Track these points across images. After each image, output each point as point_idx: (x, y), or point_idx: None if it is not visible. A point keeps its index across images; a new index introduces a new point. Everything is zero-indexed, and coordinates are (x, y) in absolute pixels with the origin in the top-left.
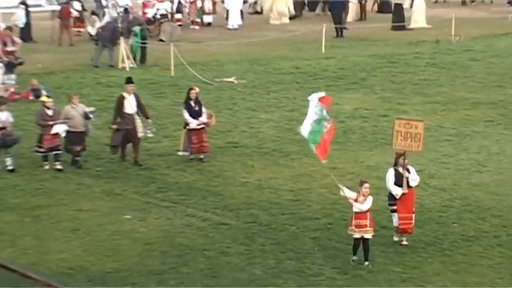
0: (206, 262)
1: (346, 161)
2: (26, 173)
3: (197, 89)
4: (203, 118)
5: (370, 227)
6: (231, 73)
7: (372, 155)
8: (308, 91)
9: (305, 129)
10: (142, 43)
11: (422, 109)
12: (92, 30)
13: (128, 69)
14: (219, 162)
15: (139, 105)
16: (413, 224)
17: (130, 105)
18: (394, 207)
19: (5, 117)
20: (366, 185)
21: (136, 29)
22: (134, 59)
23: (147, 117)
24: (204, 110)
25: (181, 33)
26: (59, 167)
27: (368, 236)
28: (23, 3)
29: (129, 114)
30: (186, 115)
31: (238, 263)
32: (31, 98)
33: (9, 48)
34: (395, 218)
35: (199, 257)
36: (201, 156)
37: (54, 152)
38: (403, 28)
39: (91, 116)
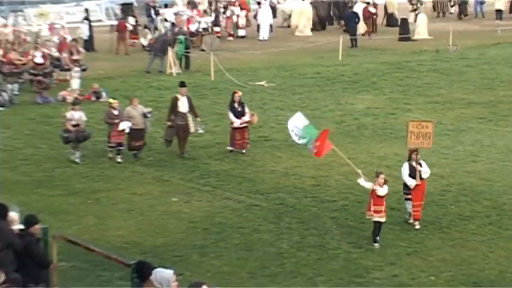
0: (241, 238)
1: (360, 152)
2: (88, 163)
3: (240, 93)
4: (246, 117)
5: (384, 212)
6: (262, 77)
7: (381, 147)
8: (328, 93)
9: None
10: (186, 52)
11: (425, 108)
12: (144, 42)
13: (174, 74)
14: (252, 153)
15: (191, 106)
16: (420, 211)
17: (183, 105)
18: (409, 196)
19: (78, 115)
20: (382, 175)
21: (181, 37)
22: (180, 66)
23: (197, 116)
24: (247, 110)
25: (220, 44)
26: (119, 160)
27: (383, 220)
28: (87, 18)
29: (182, 113)
30: (231, 115)
31: (268, 238)
32: (93, 99)
33: (75, 57)
34: (409, 205)
35: (235, 234)
36: (243, 151)
37: (119, 148)
38: (408, 39)
39: (148, 115)
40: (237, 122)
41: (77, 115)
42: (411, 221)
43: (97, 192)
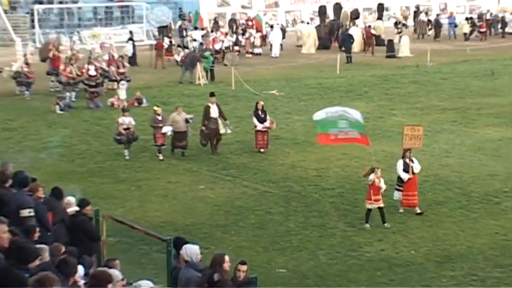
0: (256, 218)
1: (354, 148)
2: (132, 157)
3: (262, 102)
4: (267, 123)
5: (381, 199)
6: (273, 87)
7: (372, 145)
8: (327, 100)
9: (320, 115)
10: (212, 66)
11: (407, 113)
12: (178, 58)
13: (202, 84)
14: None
15: (220, 111)
16: (417, 200)
17: (214, 111)
18: (400, 188)
19: (128, 120)
20: (379, 170)
21: (207, 54)
22: (207, 77)
23: (225, 119)
24: (268, 117)
25: (239, 60)
26: (161, 157)
27: (382, 205)
28: (131, 39)
29: (214, 118)
30: (254, 120)
31: (279, 219)
32: (135, 104)
33: (121, 70)
34: (398, 194)
35: (251, 215)
36: (262, 150)
37: (161, 147)
38: (393, 57)
39: (190, 120)
40: (259, 126)
41: (127, 120)
42: (401, 210)
43: (139, 180)
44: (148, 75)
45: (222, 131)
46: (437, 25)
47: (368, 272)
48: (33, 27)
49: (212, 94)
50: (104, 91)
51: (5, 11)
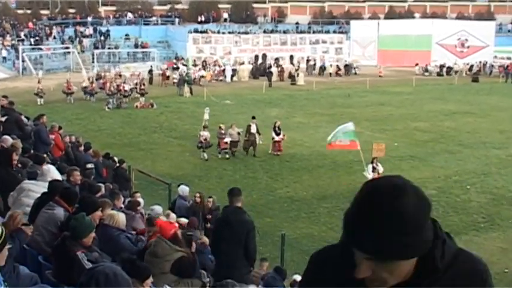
0: (217, 172)
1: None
2: (147, 138)
3: (279, 122)
4: (280, 136)
5: None
6: (227, 99)
7: (284, 133)
8: (257, 107)
9: (330, 135)
10: (190, 85)
11: (302, 116)
12: (174, 79)
13: (187, 97)
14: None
15: (257, 129)
16: None
17: (253, 128)
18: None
19: (206, 134)
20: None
21: (188, 78)
22: (190, 92)
23: (260, 134)
24: (282, 132)
25: (208, 83)
26: (227, 156)
27: None
28: (150, 71)
29: (252, 133)
30: (273, 133)
31: (230, 173)
32: (150, 107)
33: (143, 87)
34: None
35: (215, 171)
36: (278, 154)
37: (224, 150)
38: (295, 84)
39: (240, 133)
40: (276, 137)
41: (205, 134)
42: None
43: (152, 149)
44: (158, 90)
45: (257, 141)
46: (311, 65)
47: (279, 203)
48: (93, 62)
49: (253, 117)
50: (136, 105)
51: (78, 53)
